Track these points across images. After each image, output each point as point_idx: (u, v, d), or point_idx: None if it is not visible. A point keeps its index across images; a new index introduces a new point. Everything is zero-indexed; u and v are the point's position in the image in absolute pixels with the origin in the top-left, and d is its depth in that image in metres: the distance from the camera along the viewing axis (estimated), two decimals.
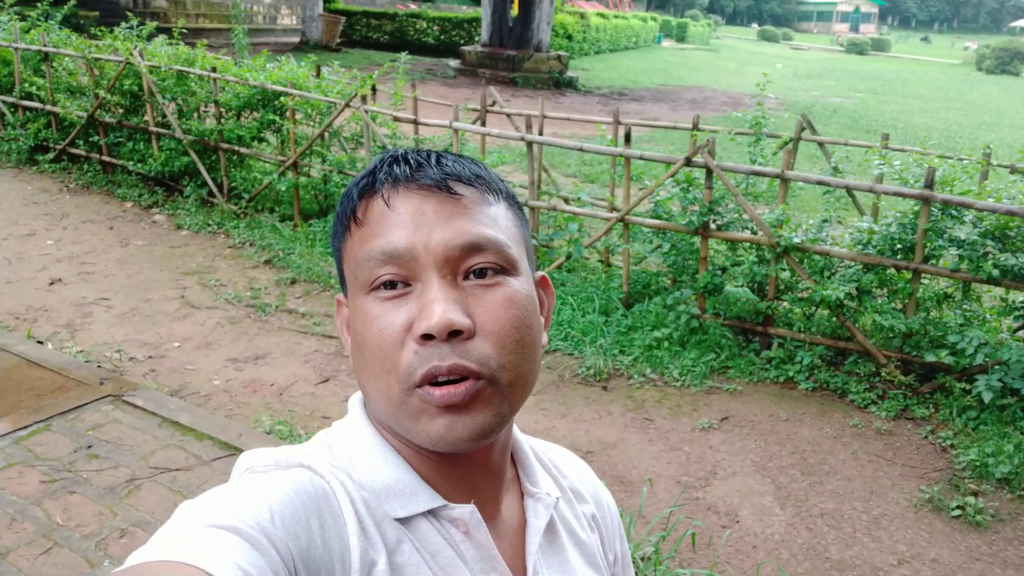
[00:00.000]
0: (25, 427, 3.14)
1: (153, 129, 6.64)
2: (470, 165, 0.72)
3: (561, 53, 19.27)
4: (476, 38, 20.86)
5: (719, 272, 4.61)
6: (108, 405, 3.43)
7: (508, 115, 6.05)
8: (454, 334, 0.64)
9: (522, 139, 4.96)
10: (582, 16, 25.48)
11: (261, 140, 6.57)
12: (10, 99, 7.54)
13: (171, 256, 5.62)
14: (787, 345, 4.40)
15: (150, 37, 7.34)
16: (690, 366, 4.32)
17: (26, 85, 7.35)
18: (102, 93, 6.75)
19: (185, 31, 7.22)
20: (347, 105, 5.62)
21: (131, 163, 6.77)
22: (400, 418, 0.66)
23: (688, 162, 4.42)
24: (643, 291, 5.00)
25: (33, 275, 5.16)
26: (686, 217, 4.53)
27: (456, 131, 5.18)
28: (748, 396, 4.14)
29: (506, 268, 0.68)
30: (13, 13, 7.95)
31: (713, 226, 4.52)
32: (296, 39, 22.43)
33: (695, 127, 5.60)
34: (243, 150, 6.32)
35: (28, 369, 3.69)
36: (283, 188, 5.98)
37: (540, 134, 5.69)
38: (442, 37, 22.99)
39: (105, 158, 7.05)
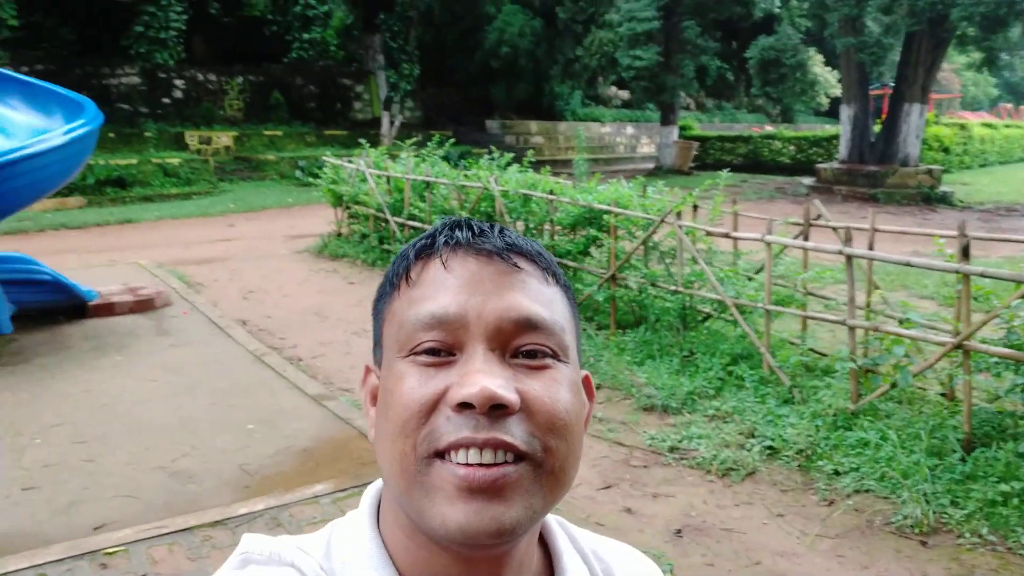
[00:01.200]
0: (343, 489, 3.66)
1: None
2: (531, 242, 0.69)
3: (933, 167, 17.55)
4: (835, 155, 19.99)
5: None
6: None
7: (834, 229, 5.68)
8: (496, 408, 0.58)
9: (839, 252, 4.61)
10: (962, 127, 23.02)
11: (587, 255, 7.03)
12: (400, 219, 9.14)
13: None
14: None
15: (507, 166, 8.41)
16: None
17: (412, 208, 8.90)
18: (464, 214, 7.87)
19: (533, 161, 8.17)
20: (662, 221, 5.79)
21: None
22: (414, 496, 0.59)
23: None
24: (991, 433, 4.18)
25: None
26: None
27: (768, 244, 5.01)
28: None
29: (557, 354, 0.63)
30: (411, 151, 9.75)
31: None
32: (652, 165, 23.74)
33: None
34: (571, 263, 6.82)
35: (360, 441, 4.31)
36: (601, 299, 6.29)
37: (870, 248, 5.23)
38: (798, 156, 22.50)
39: None
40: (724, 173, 6.33)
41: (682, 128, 23.50)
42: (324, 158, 11.30)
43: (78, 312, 6.85)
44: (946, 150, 21.29)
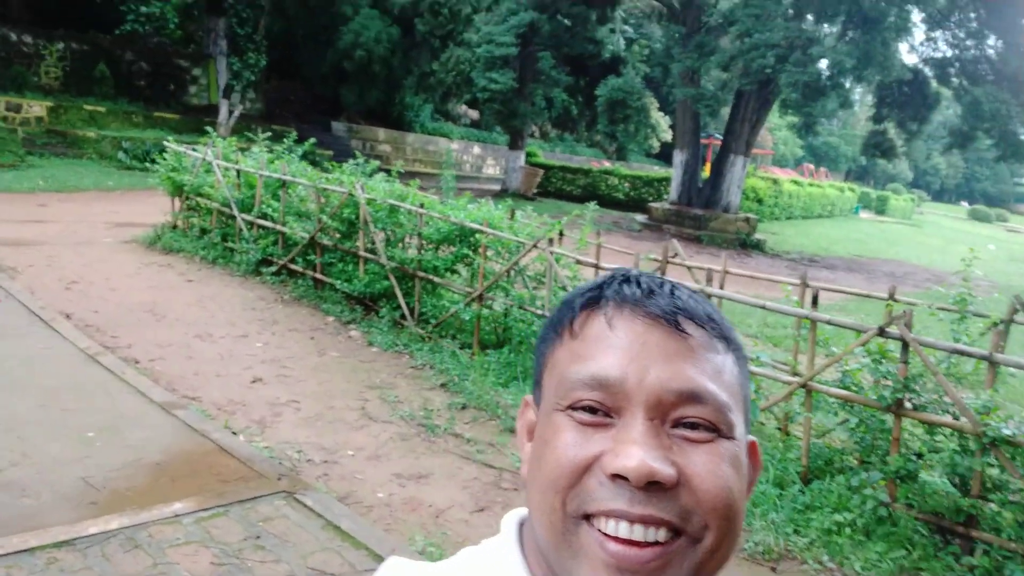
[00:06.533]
0: (207, 509, 3.38)
1: (362, 254, 7.30)
2: (704, 304, 0.65)
3: (750, 215, 19.29)
4: (665, 195, 21.41)
5: (914, 457, 4.19)
6: (281, 500, 3.63)
7: (689, 268, 6.07)
8: (652, 483, 0.56)
9: (701, 291, 4.93)
10: (775, 182, 25.51)
11: (454, 272, 7.02)
12: (249, 217, 8.64)
13: (359, 369, 6.01)
14: (994, 554, 3.83)
15: (372, 174, 8.22)
16: (875, 560, 3.87)
17: (264, 206, 8.44)
18: (324, 218, 7.58)
19: (401, 171, 8.04)
20: (534, 246, 5.91)
21: (339, 282, 7.44)
22: (561, 554, 0.58)
23: (882, 332, 4.16)
24: (825, 467, 4.62)
25: (239, 372, 5.68)
26: (877, 392, 4.21)
27: None
28: None
29: (720, 429, 0.60)
30: (264, 146, 9.25)
31: (908, 405, 4.16)
32: (497, 187, 24.17)
33: (891, 297, 5.30)
34: (437, 279, 6.77)
35: (219, 456, 4.01)
36: (467, 317, 6.29)
37: (721, 289, 5.63)
38: (631, 193, 23.88)
39: (318, 275, 7.81)
40: (592, 205, 6.56)
41: (527, 155, 24.18)
42: (165, 143, 10.46)
43: None
44: (760, 201, 23.46)
